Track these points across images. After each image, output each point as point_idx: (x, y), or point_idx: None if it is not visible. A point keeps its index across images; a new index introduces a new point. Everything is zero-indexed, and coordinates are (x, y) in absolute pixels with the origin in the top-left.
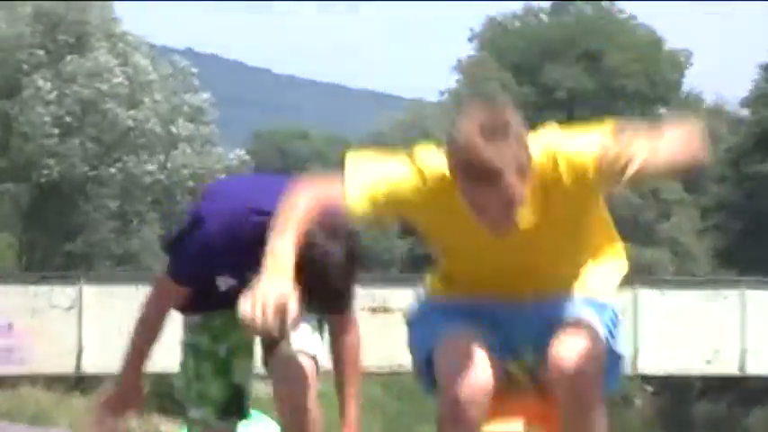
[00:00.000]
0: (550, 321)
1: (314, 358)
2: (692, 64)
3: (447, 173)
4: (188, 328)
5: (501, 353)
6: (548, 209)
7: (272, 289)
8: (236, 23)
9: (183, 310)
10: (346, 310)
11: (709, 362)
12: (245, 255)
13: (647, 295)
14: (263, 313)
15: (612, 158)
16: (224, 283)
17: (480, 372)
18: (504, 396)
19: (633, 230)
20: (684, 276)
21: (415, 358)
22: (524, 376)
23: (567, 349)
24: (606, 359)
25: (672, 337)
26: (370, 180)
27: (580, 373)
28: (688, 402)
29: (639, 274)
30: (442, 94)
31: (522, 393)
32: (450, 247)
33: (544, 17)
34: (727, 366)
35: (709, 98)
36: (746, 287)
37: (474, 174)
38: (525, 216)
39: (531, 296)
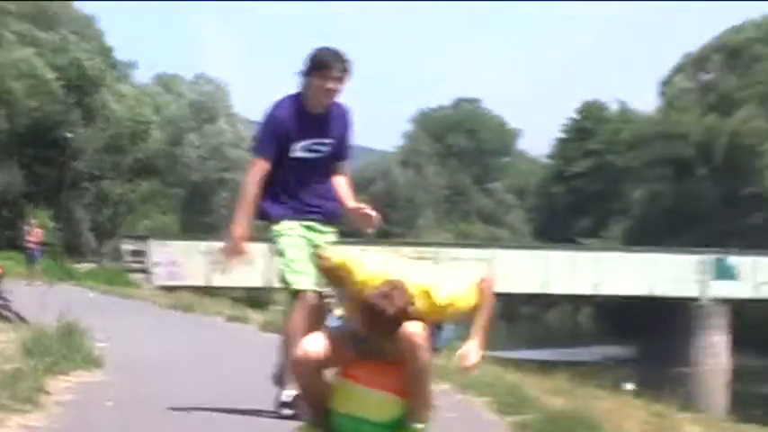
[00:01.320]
0: None
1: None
2: None
3: None
4: (283, 232)
5: None
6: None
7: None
8: None
9: (268, 203)
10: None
11: None
12: (309, 125)
13: None
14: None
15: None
16: (297, 147)
17: None
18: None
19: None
20: None
21: None
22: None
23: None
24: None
25: None
26: None
27: (412, 332)
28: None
29: None
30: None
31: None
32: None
33: None
34: None
35: None
36: None
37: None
38: None
39: None
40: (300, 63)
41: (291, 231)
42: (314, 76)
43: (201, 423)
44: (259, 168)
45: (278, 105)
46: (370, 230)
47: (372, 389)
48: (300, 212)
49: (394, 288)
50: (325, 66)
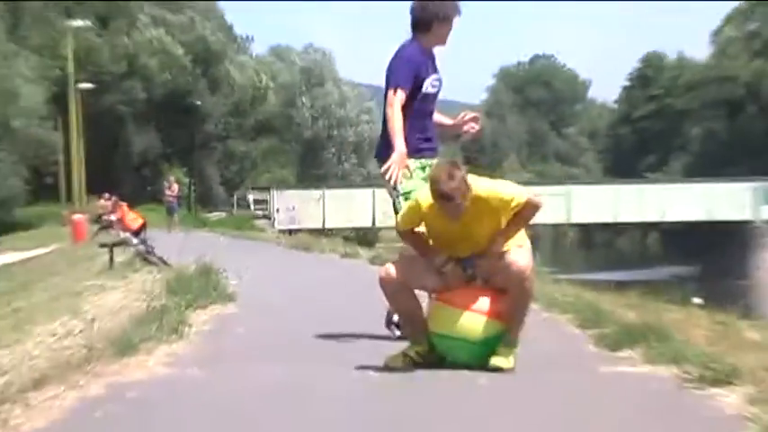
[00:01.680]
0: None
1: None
2: None
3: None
4: (402, 181)
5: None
6: (476, 215)
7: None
8: None
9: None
10: None
11: None
12: (430, 65)
13: None
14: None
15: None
16: (429, 83)
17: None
18: (462, 286)
19: None
20: None
21: None
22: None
23: (515, 255)
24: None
25: None
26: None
27: (524, 267)
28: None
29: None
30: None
31: (473, 285)
32: (433, 231)
33: None
34: None
35: None
36: None
37: (439, 198)
38: (464, 216)
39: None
40: (400, 25)
41: (416, 175)
42: (438, 26)
43: (320, 344)
44: (399, 99)
45: (407, 47)
46: (477, 128)
47: (465, 310)
48: (420, 150)
49: (451, 165)
50: (449, 17)
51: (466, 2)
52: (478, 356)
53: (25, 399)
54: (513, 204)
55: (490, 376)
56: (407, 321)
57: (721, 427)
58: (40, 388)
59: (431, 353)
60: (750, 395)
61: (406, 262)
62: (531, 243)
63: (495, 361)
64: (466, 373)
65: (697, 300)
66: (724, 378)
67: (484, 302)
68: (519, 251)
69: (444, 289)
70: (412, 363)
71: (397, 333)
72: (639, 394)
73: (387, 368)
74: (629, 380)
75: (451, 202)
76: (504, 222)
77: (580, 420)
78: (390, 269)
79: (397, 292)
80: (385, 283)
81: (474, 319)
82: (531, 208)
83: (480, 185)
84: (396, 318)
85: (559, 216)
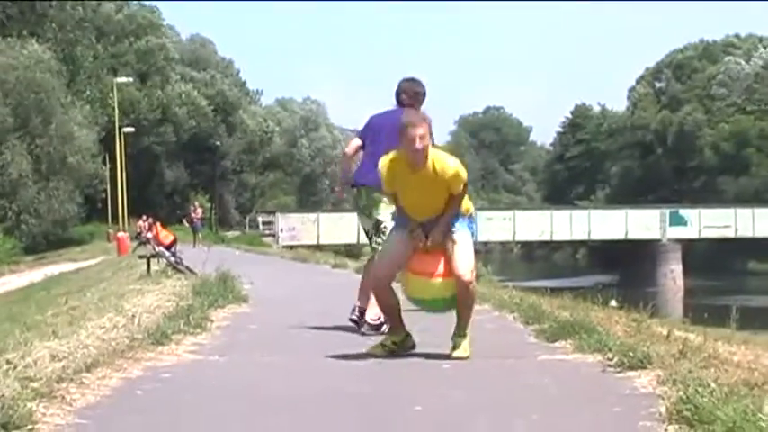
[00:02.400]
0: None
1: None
2: None
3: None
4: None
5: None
6: (433, 176)
7: None
8: None
9: None
10: None
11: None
12: None
13: None
14: None
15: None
16: None
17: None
18: (422, 254)
19: None
20: None
21: None
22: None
23: (460, 268)
24: (471, 246)
25: None
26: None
27: (467, 277)
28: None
29: None
30: None
31: (430, 253)
32: (400, 185)
33: None
34: None
35: None
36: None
37: (404, 127)
38: (424, 172)
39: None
40: (378, 82)
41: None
42: (422, 101)
43: (316, 336)
44: None
45: None
46: None
47: (429, 278)
48: None
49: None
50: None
51: (431, 59)
52: (441, 309)
53: (80, 379)
54: (460, 177)
55: (452, 362)
56: (387, 315)
57: (637, 403)
58: (92, 370)
59: (405, 342)
60: (660, 377)
61: (387, 252)
62: (485, 257)
63: (455, 353)
64: (432, 360)
65: (614, 302)
66: (639, 363)
67: (439, 268)
68: (463, 264)
69: (412, 254)
70: (388, 351)
71: (363, 330)
72: (571, 376)
73: (369, 355)
74: (563, 365)
75: (414, 130)
76: (449, 192)
77: (523, 396)
78: (378, 270)
79: (381, 290)
80: (375, 281)
81: (434, 283)
82: (465, 187)
83: (441, 155)
84: (368, 317)
85: (507, 235)
